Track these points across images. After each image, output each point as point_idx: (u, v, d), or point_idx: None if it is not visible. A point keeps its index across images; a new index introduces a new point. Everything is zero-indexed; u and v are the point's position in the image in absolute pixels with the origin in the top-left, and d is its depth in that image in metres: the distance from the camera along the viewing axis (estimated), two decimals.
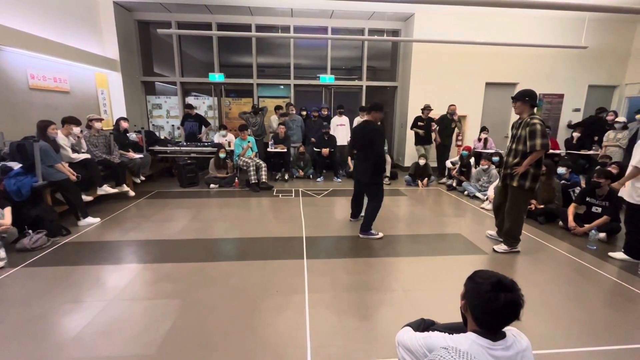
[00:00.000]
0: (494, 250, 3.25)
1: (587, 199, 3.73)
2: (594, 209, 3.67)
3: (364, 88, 7.77)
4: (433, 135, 6.62)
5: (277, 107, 6.83)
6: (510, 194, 3.18)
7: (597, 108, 6.80)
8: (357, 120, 6.74)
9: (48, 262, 2.91)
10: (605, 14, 6.56)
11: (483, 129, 6.53)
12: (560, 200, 4.20)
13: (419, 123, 6.50)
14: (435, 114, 6.67)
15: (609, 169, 3.92)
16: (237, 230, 3.75)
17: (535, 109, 3.02)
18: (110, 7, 6.28)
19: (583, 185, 4.56)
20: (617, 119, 5.77)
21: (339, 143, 6.58)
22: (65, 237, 3.46)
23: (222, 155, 5.75)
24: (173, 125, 7.64)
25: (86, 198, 4.10)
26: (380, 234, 3.57)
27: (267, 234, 3.65)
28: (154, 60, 7.74)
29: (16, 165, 3.55)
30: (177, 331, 2.01)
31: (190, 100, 7.59)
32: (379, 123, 3.53)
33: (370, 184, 3.53)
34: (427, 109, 6.43)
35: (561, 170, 4.58)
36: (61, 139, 4.05)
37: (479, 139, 6.49)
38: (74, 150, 4.25)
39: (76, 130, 4.28)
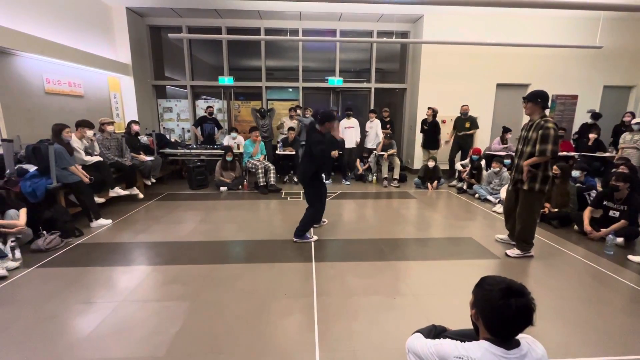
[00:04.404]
0: (506, 255, 3.18)
1: (604, 202, 3.62)
2: (611, 213, 3.56)
3: (373, 90, 7.75)
4: (447, 137, 6.60)
5: (292, 109, 6.88)
6: (522, 197, 3.12)
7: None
8: (368, 124, 6.74)
9: (61, 263, 2.96)
10: (620, 13, 6.41)
11: (508, 130, 6.36)
12: (575, 204, 4.09)
13: (424, 127, 6.54)
14: (447, 115, 6.61)
15: (619, 170, 3.81)
16: (245, 233, 3.76)
17: (547, 111, 2.95)
18: (123, 12, 6.42)
19: (599, 188, 4.44)
20: (634, 120, 5.61)
21: (347, 146, 6.56)
22: (77, 238, 3.52)
23: (229, 158, 5.80)
24: (183, 128, 7.74)
25: (98, 200, 4.18)
26: (315, 237, 3.51)
27: (275, 236, 3.65)
28: (165, 65, 7.87)
29: (32, 168, 3.64)
30: (186, 333, 2.02)
31: (201, 103, 7.70)
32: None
33: (307, 187, 3.45)
34: (430, 109, 6.43)
35: (576, 173, 4.47)
36: (75, 142, 4.13)
37: (502, 140, 6.37)
38: (87, 153, 4.34)
39: (89, 133, 4.37)
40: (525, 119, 3.29)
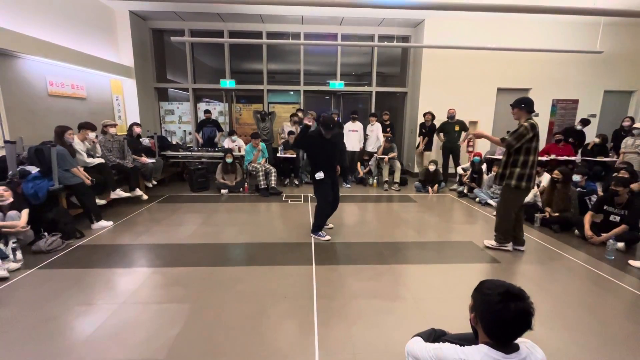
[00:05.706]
0: (486, 247, 3.42)
1: (605, 207, 3.62)
2: (612, 217, 3.56)
3: (374, 94, 7.78)
4: (436, 139, 6.69)
5: (293, 115, 6.89)
6: (501, 191, 3.39)
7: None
8: (369, 128, 6.76)
9: (62, 265, 2.97)
10: (621, 18, 6.44)
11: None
12: (576, 209, 4.09)
13: (423, 130, 6.67)
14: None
15: (620, 174, 3.83)
16: (246, 235, 3.77)
17: (532, 115, 3.16)
18: (126, 16, 6.47)
19: (600, 193, 4.44)
20: (635, 125, 5.61)
21: (350, 149, 6.58)
22: (78, 240, 3.53)
23: (229, 160, 5.82)
24: (185, 131, 7.77)
25: (100, 202, 4.19)
26: (328, 237, 3.63)
27: (276, 239, 3.66)
28: (167, 67, 7.92)
29: (34, 169, 3.66)
30: (186, 336, 2.02)
31: (202, 106, 7.74)
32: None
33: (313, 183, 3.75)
34: (428, 113, 6.55)
35: (576, 177, 4.47)
36: (77, 143, 4.15)
37: None
38: (89, 155, 4.36)
39: (91, 135, 4.39)
40: None
